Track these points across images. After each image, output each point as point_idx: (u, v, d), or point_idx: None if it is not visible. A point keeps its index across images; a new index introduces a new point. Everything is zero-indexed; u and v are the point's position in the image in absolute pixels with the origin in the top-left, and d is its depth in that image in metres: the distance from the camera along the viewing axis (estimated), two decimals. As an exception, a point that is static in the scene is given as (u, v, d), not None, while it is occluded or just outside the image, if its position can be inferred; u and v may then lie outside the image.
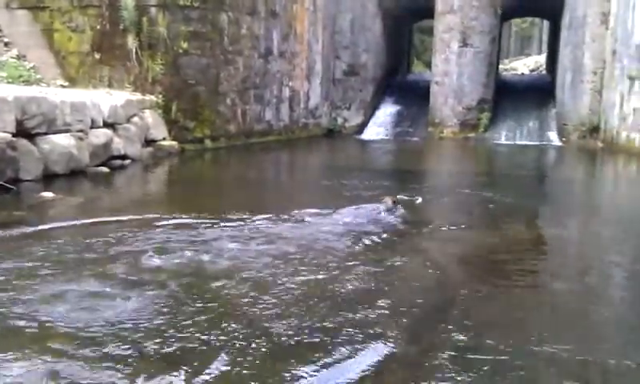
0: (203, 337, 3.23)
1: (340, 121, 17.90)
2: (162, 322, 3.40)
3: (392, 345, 3.19)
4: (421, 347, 3.28)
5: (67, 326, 3.28)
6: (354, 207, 6.54)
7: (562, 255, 5.56)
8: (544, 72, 24.84)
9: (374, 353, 3.10)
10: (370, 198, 7.15)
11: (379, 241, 5.37)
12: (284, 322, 3.46)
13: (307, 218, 6.12)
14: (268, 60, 14.06)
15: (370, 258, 4.84)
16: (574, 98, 15.97)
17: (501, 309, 3.91)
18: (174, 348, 3.09)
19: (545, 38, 33.19)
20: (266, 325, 3.41)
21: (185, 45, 11.90)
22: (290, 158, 13.37)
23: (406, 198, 6.97)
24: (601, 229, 6.55)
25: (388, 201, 6.62)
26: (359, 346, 3.15)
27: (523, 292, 4.29)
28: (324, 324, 3.44)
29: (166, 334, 3.23)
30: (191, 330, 3.31)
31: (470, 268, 4.86)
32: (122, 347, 3.07)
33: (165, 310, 3.58)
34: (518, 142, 15.94)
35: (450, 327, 3.45)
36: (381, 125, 17.85)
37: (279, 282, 4.15)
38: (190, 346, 3.13)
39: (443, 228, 6.20)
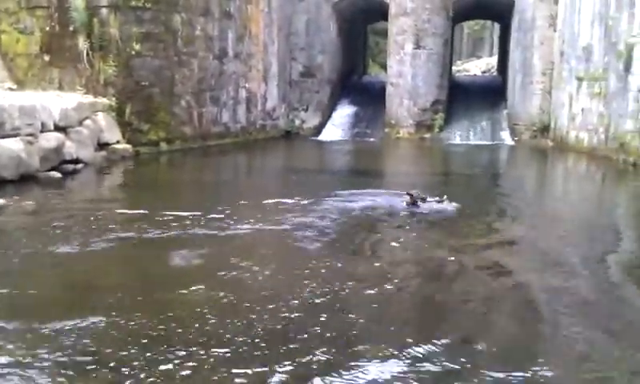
0: (163, 342, 3.18)
1: (297, 122, 17.90)
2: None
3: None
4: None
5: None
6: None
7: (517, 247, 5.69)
8: (495, 73, 25.41)
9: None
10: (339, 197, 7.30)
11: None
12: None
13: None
14: (223, 61, 13.93)
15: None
16: (525, 99, 16.41)
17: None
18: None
19: (496, 40, 33.93)
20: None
21: (137, 46, 11.69)
22: (247, 161, 13.28)
23: (430, 199, 6.94)
24: (550, 226, 6.74)
25: (407, 198, 6.87)
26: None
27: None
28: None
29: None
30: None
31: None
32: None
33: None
34: (472, 142, 16.26)
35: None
36: (338, 126, 17.92)
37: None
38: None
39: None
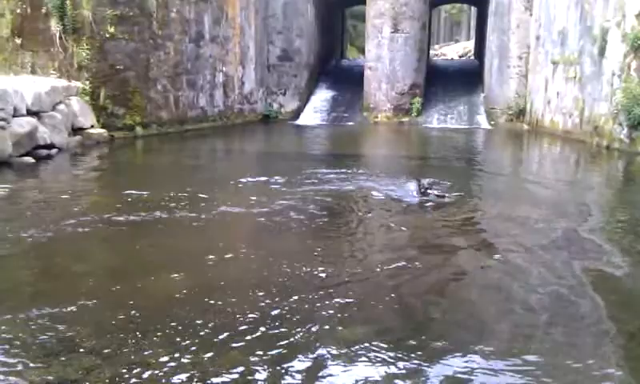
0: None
1: (276, 106, 17.82)
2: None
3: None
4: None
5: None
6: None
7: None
8: (473, 57, 25.54)
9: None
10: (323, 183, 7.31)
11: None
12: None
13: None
14: (200, 45, 13.78)
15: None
16: (501, 83, 16.53)
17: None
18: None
19: (473, 24, 34.09)
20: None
21: (112, 29, 11.50)
22: (225, 145, 13.19)
23: (436, 192, 6.78)
24: (524, 207, 6.83)
25: (416, 186, 6.81)
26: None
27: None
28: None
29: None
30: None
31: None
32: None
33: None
34: (449, 126, 16.35)
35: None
36: (316, 110, 17.88)
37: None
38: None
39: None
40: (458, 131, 15.57)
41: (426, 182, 7.11)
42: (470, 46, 32.35)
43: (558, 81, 13.70)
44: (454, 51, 34.59)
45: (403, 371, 2.85)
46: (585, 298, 3.87)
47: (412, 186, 7.03)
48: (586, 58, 12.29)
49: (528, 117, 15.74)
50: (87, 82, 11.23)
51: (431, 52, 26.95)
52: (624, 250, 5.01)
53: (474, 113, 17.13)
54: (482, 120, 16.72)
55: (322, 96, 18.62)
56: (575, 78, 12.79)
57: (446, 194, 6.75)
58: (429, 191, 6.76)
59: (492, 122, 16.43)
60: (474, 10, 31.21)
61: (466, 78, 19.11)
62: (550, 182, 8.81)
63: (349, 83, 18.58)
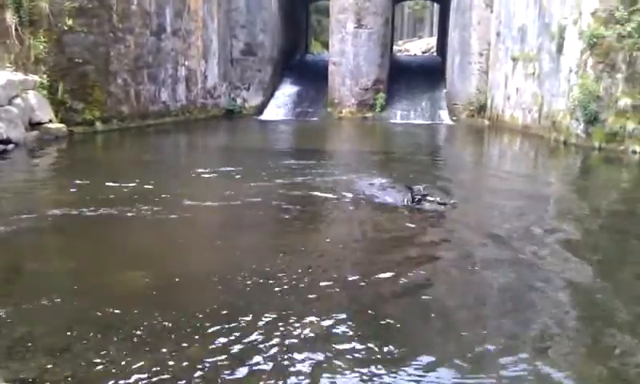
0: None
1: (239, 101, 17.68)
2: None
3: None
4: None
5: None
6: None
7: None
8: (435, 53, 25.82)
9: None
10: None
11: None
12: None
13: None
14: (161, 38, 13.57)
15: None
16: (463, 79, 16.76)
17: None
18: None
19: (436, 20, 34.43)
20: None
21: (70, 21, 11.23)
22: (188, 140, 13.02)
23: (438, 199, 5.99)
24: (485, 198, 6.95)
25: (409, 194, 5.97)
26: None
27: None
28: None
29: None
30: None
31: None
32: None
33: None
34: (413, 122, 16.51)
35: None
36: (280, 105, 17.81)
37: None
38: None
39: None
40: (421, 127, 15.73)
41: (420, 188, 6.13)
42: (432, 42, 32.68)
43: (518, 77, 13.97)
44: (417, 47, 34.90)
45: (359, 356, 2.88)
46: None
47: (401, 193, 6.19)
48: (544, 54, 12.56)
49: (489, 112, 16.01)
50: (45, 76, 10.95)
51: (395, 48, 27.18)
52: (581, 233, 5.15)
53: (437, 108, 17.33)
54: (444, 115, 16.92)
55: (287, 91, 18.56)
56: (534, 74, 13.06)
57: (447, 202, 6.03)
58: (423, 200, 5.90)
59: (454, 118, 16.66)
60: (436, 6, 31.54)
61: (428, 74, 19.31)
62: (511, 177, 8.99)
63: (313, 78, 18.56)
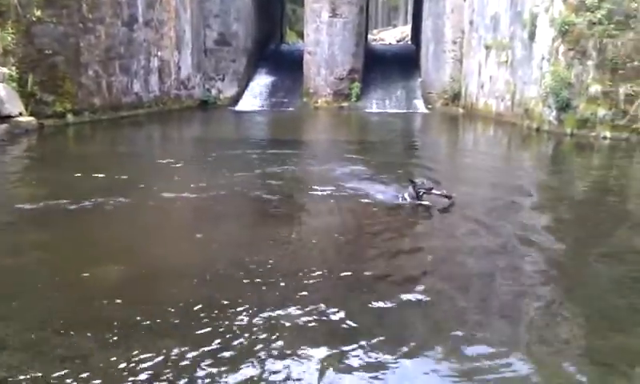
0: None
1: (214, 92, 17.52)
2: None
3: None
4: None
5: None
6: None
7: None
8: (410, 42, 25.86)
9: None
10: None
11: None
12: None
13: None
14: (133, 28, 13.36)
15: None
16: (437, 67, 16.84)
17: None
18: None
19: (410, 9, 34.47)
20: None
21: (38, 12, 10.99)
22: (161, 132, 12.87)
23: (437, 192, 5.67)
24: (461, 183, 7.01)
25: (411, 189, 5.67)
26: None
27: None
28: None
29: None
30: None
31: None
32: None
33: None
34: (388, 111, 16.54)
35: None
36: (256, 96, 17.70)
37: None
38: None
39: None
40: (397, 116, 15.78)
41: (423, 181, 5.79)
42: (407, 30, 32.73)
43: (491, 65, 14.08)
44: (391, 36, 34.94)
45: (335, 351, 2.88)
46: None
47: (407, 189, 5.80)
48: (516, 42, 12.67)
49: (463, 100, 16.12)
50: (14, 68, 10.70)
51: (369, 37, 27.15)
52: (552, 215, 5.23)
53: (412, 97, 17.39)
54: (419, 104, 16.99)
55: (262, 81, 18.45)
56: (507, 62, 13.18)
57: (451, 194, 5.68)
58: (426, 194, 5.58)
59: (429, 106, 16.74)
60: (410, -5, 31.56)
61: (403, 63, 19.34)
62: (486, 163, 9.08)
63: (288, 68, 18.47)
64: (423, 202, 5.59)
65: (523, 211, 5.90)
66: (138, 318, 3.14)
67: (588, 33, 10.67)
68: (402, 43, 29.66)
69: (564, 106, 10.91)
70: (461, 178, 7.78)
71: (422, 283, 3.84)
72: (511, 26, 12.94)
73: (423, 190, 5.57)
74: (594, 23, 10.61)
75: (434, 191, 5.61)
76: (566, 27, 10.80)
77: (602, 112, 10.60)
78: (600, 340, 3.11)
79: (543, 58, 11.50)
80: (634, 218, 5.77)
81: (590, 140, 10.50)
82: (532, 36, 11.92)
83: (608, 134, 10.53)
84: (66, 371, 2.63)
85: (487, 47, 14.26)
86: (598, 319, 3.36)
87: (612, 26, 10.47)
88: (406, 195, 5.73)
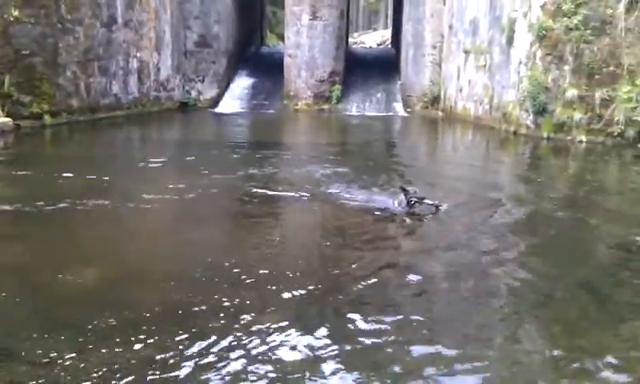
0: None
1: (194, 94, 17.43)
2: None
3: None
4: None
5: None
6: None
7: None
8: (390, 46, 26.00)
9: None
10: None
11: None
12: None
13: None
14: (112, 29, 13.24)
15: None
16: (417, 71, 16.96)
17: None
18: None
19: (390, 12, 34.66)
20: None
21: (16, 12, 10.85)
22: (140, 134, 12.77)
23: (429, 202, 5.60)
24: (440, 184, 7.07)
25: (402, 197, 5.62)
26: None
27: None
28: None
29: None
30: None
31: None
32: None
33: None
34: (368, 113, 16.62)
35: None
36: (236, 98, 17.65)
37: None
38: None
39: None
40: (376, 118, 15.86)
41: (416, 189, 5.75)
42: (387, 34, 32.90)
43: (470, 69, 14.22)
44: (372, 39, 35.09)
45: (311, 355, 2.89)
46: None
47: (398, 197, 5.74)
48: (495, 47, 12.82)
49: (442, 104, 16.26)
50: (-11, 68, 10.56)
51: (350, 40, 27.22)
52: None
53: (392, 100, 17.49)
54: (398, 107, 17.10)
55: (242, 83, 18.41)
56: (485, 66, 13.32)
57: (440, 204, 5.65)
58: (418, 203, 5.54)
59: (408, 109, 16.85)
60: (390, -2, 31.75)
61: (383, 66, 19.45)
62: (464, 167, 9.16)
63: (269, 70, 18.45)
64: (414, 210, 5.54)
65: (501, 218, 5.96)
66: (115, 322, 3.11)
67: (565, 38, 10.83)
68: (382, 47, 29.82)
69: (541, 110, 11.06)
70: (438, 183, 7.84)
71: (402, 286, 3.87)
72: (490, 30, 13.09)
73: (415, 199, 5.53)
74: (571, 29, 10.77)
75: (425, 200, 5.55)
76: (544, 32, 10.96)
77: (578, 116, 10.76)
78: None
79: (521, 63, 11.66)
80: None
81: (567, 143, 10.65)
82: (510, 41, 12.07)
83: (584, 137, 10.69)
84: (37, 375, 2.60)
85: (466, 51, 14.40)
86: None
87: (588, 31, 10.64)
88: (396, 203, 5.68)
